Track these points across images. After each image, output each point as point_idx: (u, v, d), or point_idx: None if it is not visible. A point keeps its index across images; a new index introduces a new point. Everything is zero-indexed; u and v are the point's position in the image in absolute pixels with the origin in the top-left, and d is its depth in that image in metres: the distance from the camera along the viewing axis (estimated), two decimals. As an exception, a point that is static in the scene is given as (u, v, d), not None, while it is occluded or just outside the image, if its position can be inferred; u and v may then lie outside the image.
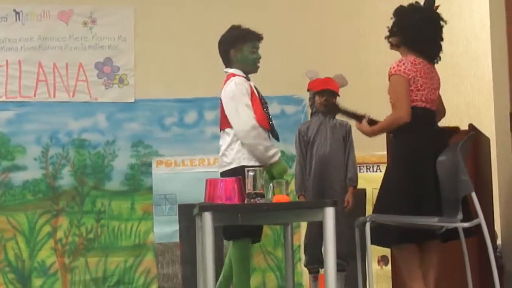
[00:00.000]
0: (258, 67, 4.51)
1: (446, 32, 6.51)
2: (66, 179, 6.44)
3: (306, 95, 5.99)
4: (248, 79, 4.45)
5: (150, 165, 6.47)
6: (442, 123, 4.12)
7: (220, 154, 4.39)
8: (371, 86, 5.92)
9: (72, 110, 6.52)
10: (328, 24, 6.56)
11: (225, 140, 4.36)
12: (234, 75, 4.40)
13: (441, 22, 3.95)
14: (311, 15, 6.60)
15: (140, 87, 6.53)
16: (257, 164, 4.19)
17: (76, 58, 6.56)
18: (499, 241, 5.18)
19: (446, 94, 6.36)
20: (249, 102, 4.29)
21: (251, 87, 4.38)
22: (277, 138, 4.49)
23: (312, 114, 5.39)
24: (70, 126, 6.50)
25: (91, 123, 6.51)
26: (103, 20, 6.60)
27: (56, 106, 6.53)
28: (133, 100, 6.56)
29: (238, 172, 4.06)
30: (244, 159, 4.25)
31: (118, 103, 6.55)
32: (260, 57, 4.49)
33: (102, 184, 6.45)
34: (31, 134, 6.49)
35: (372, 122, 3.91)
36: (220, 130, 4.45)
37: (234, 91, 4.30)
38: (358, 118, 3.93)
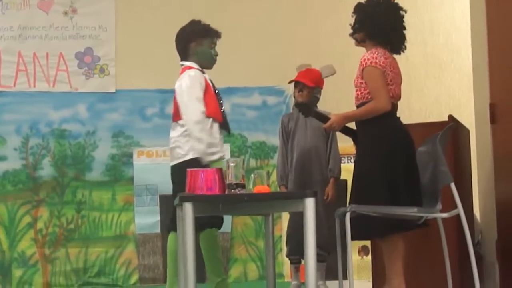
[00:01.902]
0: (214, 63, 4.55)
1: (427, 24, 6.61)
2: (46, 170, 6.41)
3: (287, 86, 6.01)
4: (203, 72, 4.47)
5: (131, 155, 6.46)
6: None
7: (173, 145, 4.39)
8: (353, 77, 5.93)
9: (53, 100, 6.48)
10: (310, 16, 6.57)
11: (178, 131, 4.38)
12: (189, 67, 4.43)
13: (401, 12, 3.97)
14: (293, 7, 6.61)
15: (121, 77, 6.51)
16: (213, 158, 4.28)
17: (56, 47, 6.52)
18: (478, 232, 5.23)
19: (427, 85, 6.47)
20: (201, 96, 4.34)
21: (206, 80, 4.41)
22: (228, 131, 4.54)
23: (294, 106, 5.39)
24: (51, 116, 6.47)
25: (71, 113, 6.48)
26: (84, 10, 6.56)
27: (36, 96, 6.49)
28: (114, 91, 6.54)
29: (192, 164, 4.08)
30: (198, 152, 4.27)
31: (98, 93, 6.52)
32: (217, 54, 4.52)
33: (82, 175, 6.43)
34: (11, 124, 6.45)
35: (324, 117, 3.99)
36: (173, 121, 4.47)
37: (187, 84, 4.35)
38: (326, 119, 3.98)
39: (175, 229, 4.25)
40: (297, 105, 4.66)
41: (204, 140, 4.26)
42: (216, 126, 4.41)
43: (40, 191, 6.39)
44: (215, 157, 4.30)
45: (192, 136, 4.28)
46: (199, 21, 4.56)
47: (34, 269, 6.32)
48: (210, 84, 4.47)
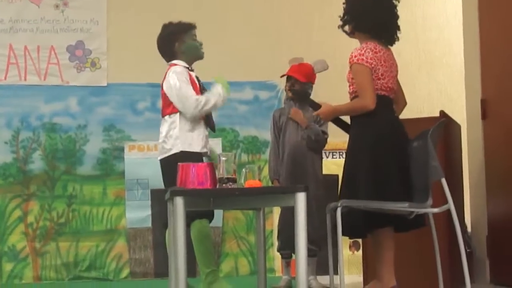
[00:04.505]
0: (203, 52, 4.60)
1: (419, 19, 6.62)
2: (37, 163, 6.39)
3: (279, 81, 6.00)
4: (191, 70, 4.50)
5: (122, 149, 6.45)
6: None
7: (160, 141, 4.50)
8: (344, 72, 5.92)
9: (43, 93, 6.46)
10: (301, 11, 6.57)
11: (164, 127, 4.48)
12: (174, 65, 4.47)
13: (394, 2, 3.92)
14: (285, 1, 6.60)
15: (113, 71, 6.49)
16: (196, 150, 4.36)
17: (47, 41, 6.49)
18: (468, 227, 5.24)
19: (419, 81, 6.48)
20: (189, 85, 4.42)
21: (191, 76, 4.45)
22: (212, 129, 4.58)
23: (285, 101, 5.38)
24: (41, 110, 6.45)
25: (62, 106, 6.46)
26: (75, 3, 6.53)
27: (27, 89, 6.46)
28: (105, 84, 6.52)
29: (178, 158, 4.20)
30: (184, 144, 4.37)
31: (90, 86, 6.50)
32: (202, 43, 4.59)
33: (73, 169, 6.41)
34: (2, 117, 6.43)
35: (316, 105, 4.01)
36: (162, 117, 4.55)
37: (174, 77, 4.41)
38: (318, 107, 3.98)
39: (196, 218, 4.31)
40: (293, 91, 4.60)
41: (205, 108, 4.37)
42: (201, 122, 4.45)
43: (30, 185, 6.37)
44: (213, 103, 4.41)
45: (197, 115, 4.37)
46: (171, 23, 4.61)
47: (24, 263, 6.30)
48: (196, 81, 4.51)
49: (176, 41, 4.54)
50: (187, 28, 4.57)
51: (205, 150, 4.47)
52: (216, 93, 4.45)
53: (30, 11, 6.50)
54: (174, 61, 4.55)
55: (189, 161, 4.00)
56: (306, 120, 5.00)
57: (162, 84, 4.51)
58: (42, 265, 6.30)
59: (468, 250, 4.42)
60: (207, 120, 4.52)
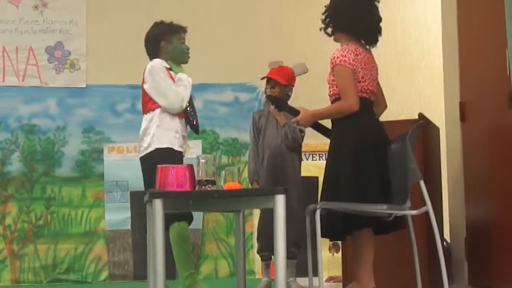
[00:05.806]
0: (189, 57, 4.59)
1: (398, 23, 6.66)
2: (15, 165, 6.35)
3: (259, 83, 6.01)
4: (172, 70, 4.50)
5: (101, 151, 6.41)
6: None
7: (139, 139, 4.50)
8: (324, 75, 5.94)
9: (22, 94, 6.42)
10: (281, 13, 6.58)
11: (143, 125, 4.48)
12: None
13: (376, 3, 3.94)
14: (265, 3, 6.61)
15: (92, 72, 6.46)
16: (169, 146, 4.34)
17: (26, 41, 6.45)
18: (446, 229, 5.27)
19: (398, 83, 6.51)
20: (168, 78, 4.42)
21: (169, 72, 4.43)
22: (196, 131, 4.57)
23: (265, 103, 5.38)
24: (20, 111, 6.40)
25: (41, 108, 6.42)
26: (54, 4, 6.49)
27: (6, 90, 6.42)
28: (84, 86, 6.48)
29: (154, 155, 4.26)
30: (160, 142, 4.36)
31: (69, 88, 6.47)
32: (189, 48, 4.56)
33: (52, 171, 6.37)
34: (-20, 118, 6.38)
35: (293, 111, 4.01)
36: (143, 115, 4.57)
37: (153, 71, 4.41)
38: (297, 113, 3.98)
39: (175, 221, 4.30)
40: (271, 98, 4.63)
41: (184, 99, 4.37)
42: (180, 121, 4.44)
43: (8, 187, 6.32)
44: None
45: (181, 108, 4.36)
46: (162, 22, 4.60)
47: (2, 266, 6.25)
48: (173, 76, 4.50)
49: (163, 40, 4.52)
50: (176, 30, 4.55)
51: (181, 149, 4.45)
52: (188, 84, 4.44)
53: (9, 11, 6.45)
54: (156, 60, 4.52)
55: (165, 159, 4.00)
56: (284, 118, 5.01)
57: (142, 82, 4.49)
58: (20, 267, 6.25)
59: (446, 251, 4.44)
60: (188, 119, 4.50)
